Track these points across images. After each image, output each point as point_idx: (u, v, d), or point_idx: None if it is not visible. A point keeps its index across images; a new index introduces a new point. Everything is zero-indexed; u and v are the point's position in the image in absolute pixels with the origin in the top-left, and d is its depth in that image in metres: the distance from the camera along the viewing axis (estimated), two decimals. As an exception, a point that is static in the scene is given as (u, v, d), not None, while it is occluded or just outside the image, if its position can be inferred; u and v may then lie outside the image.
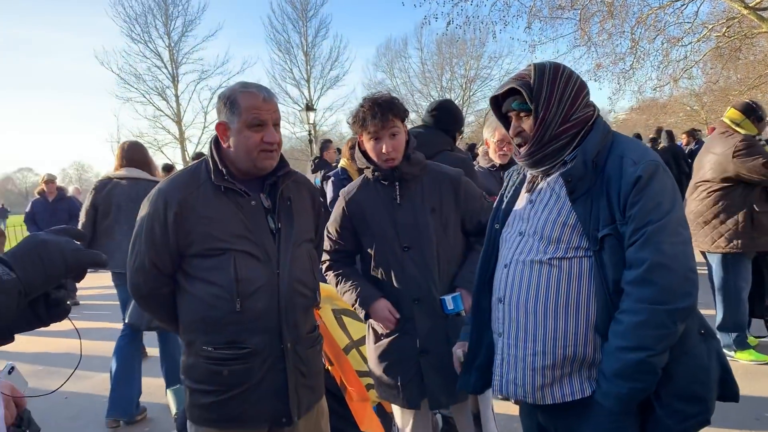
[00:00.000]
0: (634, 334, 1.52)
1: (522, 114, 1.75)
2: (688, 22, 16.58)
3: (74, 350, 6.08)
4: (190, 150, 31.55)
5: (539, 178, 1.82)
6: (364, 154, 2.54)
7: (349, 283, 2.54)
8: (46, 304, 1.13)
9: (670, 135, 11.40)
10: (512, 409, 3.61)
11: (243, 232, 1.99)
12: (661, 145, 11.15)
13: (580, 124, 1.72)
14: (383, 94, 2.49)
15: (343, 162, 5.94)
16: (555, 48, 31.62)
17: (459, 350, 2.06)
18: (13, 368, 1.73)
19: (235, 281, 1.95)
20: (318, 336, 2.27)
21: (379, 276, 2.51)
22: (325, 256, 2.65)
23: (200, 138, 32.05)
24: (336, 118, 35.76)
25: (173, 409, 3.64)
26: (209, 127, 32.17)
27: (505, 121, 1.86)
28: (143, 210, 2.05)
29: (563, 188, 1.71)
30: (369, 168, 2.52)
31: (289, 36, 33.90)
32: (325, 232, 2.61)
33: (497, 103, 1.85)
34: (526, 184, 1.88)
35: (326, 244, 2.62)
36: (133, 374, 4.25)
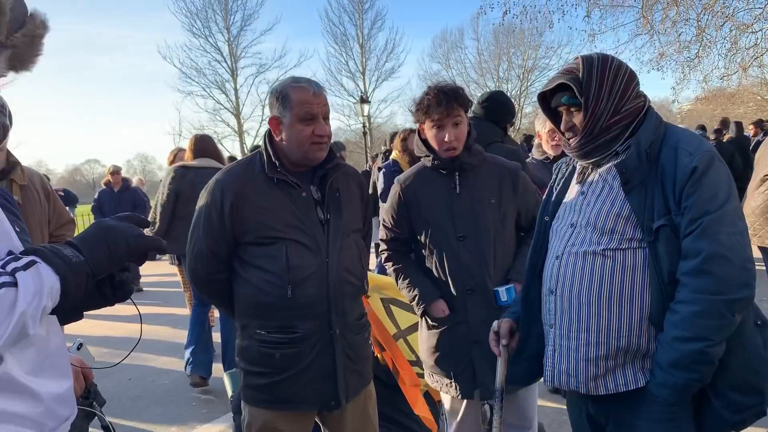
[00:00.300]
0: (691, 324, 1.51)
1: (572, 108, 1.76)
2: (759, 8, 15.82)
3: (136, 334, 6.36)
4: (249, 142, 32.25)
5: (590, 170, 1.82)
6: (425, 142, 2.54)
7: (407, 281, 2.56)
8: (111, 285, 1.23)
9: (739, 126, 10.94)
10: (561, 401, 3.59)
11: (294, 222, 2.07)
12: (727, 137, 10.73)
13: (630, 115, 1.71)
14: (448, 83, 2.50)
15: (394, 154, 5.99)
16: (615, 37, 30.68)
17: (496, 322, 2.07)
18: (81, 344, 1.85)
19: (286, 269, 2.03)
20: (366, 323, 2.34)
21: (433, 265, 2.51)
22: (382, 246, 2.68)
23: (258, 130, 32.75)
24: (391, 110, 35.88)
25: (230, 392, 3.77)
26: (266, 119, 32.83)
27: (554, 116, 1.86)
28: (201, 199, 2.16)
29: (616, 179, 1.70)
30: (428, 156, 2.52)
31: (345, 28, 34.17)
32: (381, 221, 2.65)
33: (544, 98, 1.86)
34: (576, 176, 1.88)
35: (382, 233, 2.65)
36: (208, 341, 4.83)
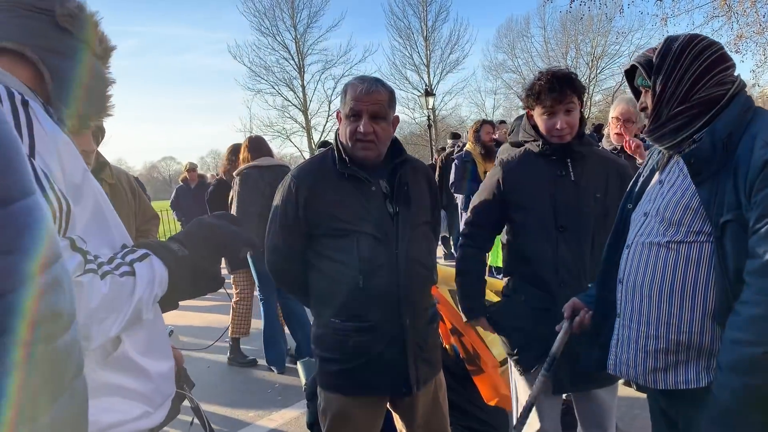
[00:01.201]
0: (752, 327, 1.42)
1: (646, 90, 1.75)
2: None
3: (217, 324, 6.65)
4: (316, 138, 32.78)
5: (667, 157, 1.79)
6: (534, 127, 2.47)
7: (464, 289, 2.60)
8: (204, 277, 1.34)
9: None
10: (633, 394, 3.55)
11: (365, 215, 2.15)
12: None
13: (702, 105, 1.64)
14: (561, 69, 2.42)
15: (468, 145, 6.06)
16: (690, 20, 29.34)
17: (573, 299, 2.11)
18: (172, 331, 2.00)
19: (358, 260, 2.12)
20: (435, 313, 2.40)
21: (528, 255, 2.43)
22: (464, 229, 2.66)
23: (324, 126, 33.28)
24: (455, 101, 35.61)
25: (303, 380, 3.91)
26: (333, 115, 33.22)
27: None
28: (278, 194, 2.28)
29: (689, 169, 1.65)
30: (536, 141, 2.45)
31: (409, 22, 34.16)
32: (471, 203, 2.64)
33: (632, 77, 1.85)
34: (658, 163, 1.85)
35: (468, 216, 2.64)
36: (279, 335, 5.17)
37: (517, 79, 36.22)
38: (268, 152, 5.03)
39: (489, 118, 7.52)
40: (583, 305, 2.09)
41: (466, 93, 39.48)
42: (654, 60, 1.68)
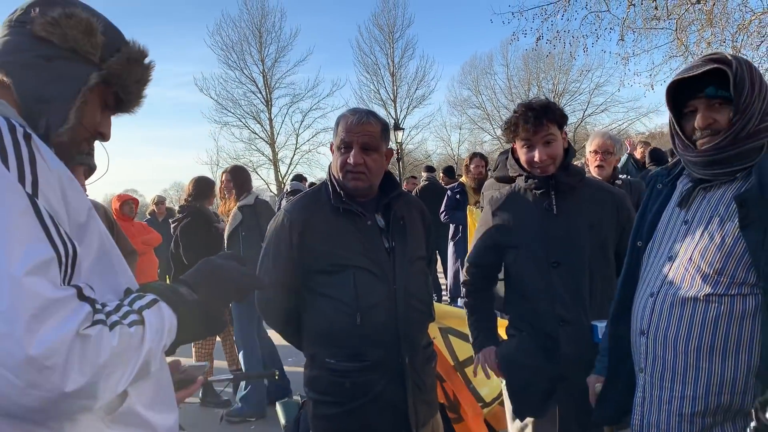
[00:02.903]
0: None
1: (717, 102, 1.54)
2: (796, 27, 15.59)
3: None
4: (283, 170, 32.67)
5: (697, 193, 1.61)
6: (518, 161, 2.40)
7: (473, 320, 2.55)
8: (211, 321, 1.26)
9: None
10: None
11: (361, 250, 2.10)
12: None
13: (763, 134, 1.50)
14: (539, 99, 2.35)
15: (463, 177, 6.32)
16: (650, 59, 30.51)
17: (597, 384, 1.93)
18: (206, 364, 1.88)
19: (355, 296, 2.06)
20: (432, 352, 2.35)
21: (524, 292, 2.35)
22: (467, 269, 2.57)
23: (292, 159, 33.18)
24: (422, 136, 35.93)
25: (282, 421, 3.80)
26: (300, 148, 33.15)
27: (677, 114, 1.65)
28: (270, 230, 2.23)
29: (729, 210, 1.50)
30: (521, 176, 2.39)
31: (376, 58, 34.52)
32: (470, 245, 2.59)
33: (672, 90, 1.63)
34: (678, 198, 1.68)
35: (468, 256, 2.57)
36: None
37: (481, 114, 36.97)
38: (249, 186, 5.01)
39: (479, 151, 7.66)
40: (600, 377, 1.93)
41: (432, 128, 39.79)
42: (735, 69, 1.47)
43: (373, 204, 2.21)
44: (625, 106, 34.18)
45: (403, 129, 27.30)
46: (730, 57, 1.50)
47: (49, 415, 0.90)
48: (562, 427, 2.32)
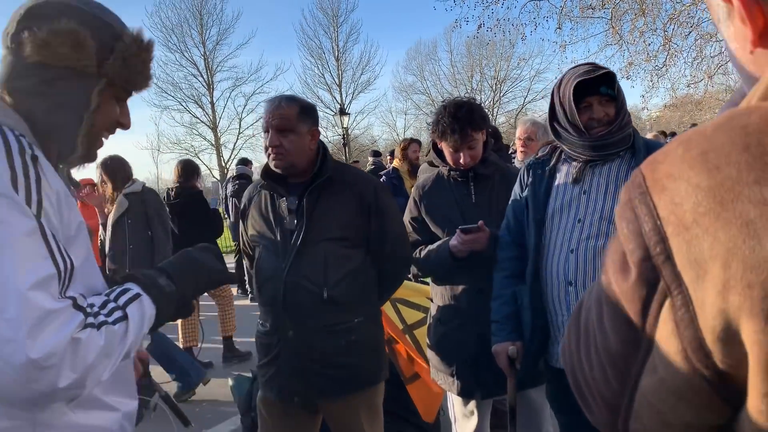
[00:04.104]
0: None
1: (605, 99, 1.97)
2: (722, 18, 16.39)
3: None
4: (226, 155, 32.24)
5: (587, 171, 2.02)
6: (440, 153, 2.65)
7: (428, 250, 2.59)
8: (182, 308, 1.38)
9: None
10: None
11: (266, 230, 2.35)
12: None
13: (631, 123, 1.98)
14: (464, 104, 2.52)
15: (395, 163, 6.33)
16: (586, 47, 31.63)
17: (512, 347, 2.17)
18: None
19: (254, 271, 2.40)
20: (352, 328, 2.31)
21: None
22: (414, 248, 2.69)
23: (235, 143, 32.81)
24: (368, 121, 36.06)
25: (235, 396, 3.92)
26: (243, 132, 32.79)
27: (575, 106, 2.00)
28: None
29: (623, 177, 1.92)
30: (445, 167, 2.63)
31: (320, 41, 34.49)
32: (407, 225, 2.70)
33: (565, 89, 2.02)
34: (568, 177, 2.06)
35: (414, 235, 2.70)
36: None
37: (426, 100, 37.23)
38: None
39: (415, 138, 7.77)
40: (509, 342, 2.19)
41: (378, 113, 40.22)
42: (613, 75, 1.96)
43: (299, 186, 2.32)
44: (563, 92, 35.00)
45: (349, 114, 27.36)
46: (606, 67, 1.98)
47: (42, 405, 1.07)
48: (483, 389, 2.56)
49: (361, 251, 2.34)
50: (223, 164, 31.79)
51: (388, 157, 10.29)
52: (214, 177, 33.76)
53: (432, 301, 2.76)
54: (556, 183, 2.09)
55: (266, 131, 2.29)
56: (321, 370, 2.26)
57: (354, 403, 2.35)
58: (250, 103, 32.75)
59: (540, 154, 2.23)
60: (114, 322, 1.11)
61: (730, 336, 0.55)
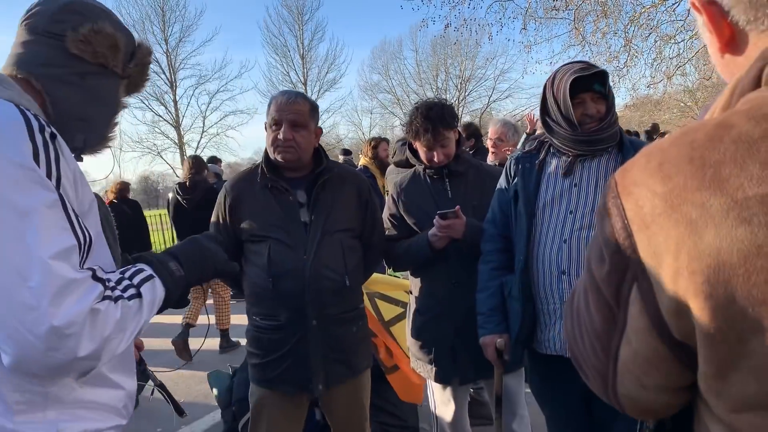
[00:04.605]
0: None
1: (598, 96, 2.05)
2: (680, 20, 16.87)
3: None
4: (189, 154, 31.77)
5: (577, 165, 2.10)
6: (415, 153, 2.75)
7: (401, 246, 2.70)
8: (183, 296, 1.42)
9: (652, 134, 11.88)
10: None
11: (278, 223, 2.34)
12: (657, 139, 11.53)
13: (617, 121, 2.10)
14: (434, 105, 2.64)
15: (363, 161, 6.31)
16: (550, 48, 32.19)
17: (499, 339, 2.27)
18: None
19: (268, 264, 2.30)
20: (355, 317, 2.49)
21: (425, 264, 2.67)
22: (393, 241, 2.78)
23: (199, 142, 32.37)
24: (334, 120, 35.94)
25: (214, 391, 3.92)
26: (208, 131, 32.40)
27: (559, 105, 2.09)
28: (217, 200, 2.47)
29: (612, 171, 1.94)
30: (420, 165, 2.75)
31: (285, 39, 34.08)
32: (385, 223, 2.80)
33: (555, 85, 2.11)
34: (558, 170, 2.13)
35: (388, 233, 2.78)
36: None
37: (392, 99, 37.27)
38: None
39: (383, 136, 7.78)
40: (497, 335, 2.28)
41: (344, 112, 40.09)
42: (605, 74, 2.04)
43: (301, 180, 2.41)
44: (528, 92, 35.46)
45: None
46: (598, 66, 2.06)
47: (62, 374, 1.10)
48: (461, 375, 2.66)
49: (359, 241, 2.52)
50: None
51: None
52: (177, 176, 33.33)
53: (411, 293, 2.84)
54: (546, 176, 2.15)
55: (276, 125, 2.32)
56: (337, 357, 2.38)
57: (357, 386, 2.53)
58: (214, 101, 32.38)
59: (528, 147, 2.30)
60: (129, 298, 1.15)
61: (681, 312, 0.68)
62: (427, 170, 2.72)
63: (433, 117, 2.59)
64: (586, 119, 2.05)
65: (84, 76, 1.27)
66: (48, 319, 0.98)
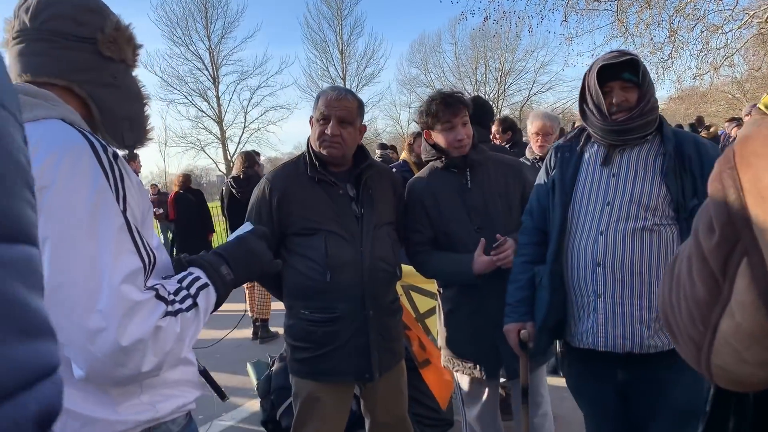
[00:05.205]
0: None
1: (628, 85, 2.00)
2: (728, 10, 16.40)
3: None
4: (231, 149, 32.29)
5: (614, 153, 2.06)
6: (433, 146, 2.69)
7: (440, 268, 2.64)
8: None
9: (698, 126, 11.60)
10: (559, 380, 3.90)
11: (332, 216, 2.36)
12: (702, 134, 11.25)
13: (656, 110, 2.04)
14: (448, 90, 2.66)
15: (404, 155, 6.48)
16: (591, 40, 31.48)
17: (523, 331, 2.26)
18: None
19: (325, 256, 2.31)
20: (398, 307, 2.61)
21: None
22: (412, 246, 2.72)
23: (240, 137, 32.84)
24: (371, 114, 35.92)
25: (254, 380, 4.02)
26: (249, 126, 32.83)
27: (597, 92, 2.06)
28: (253, 196, 2.46)
29: (649, 162, 1.99)
30: (439, 159, 2.67)
31: (324, 35, 34.36)
32: (407, 223, 2.72)
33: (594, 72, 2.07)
34: (594, 159, 2.11)
35: (409, 234, 2.71)
36: None
37: (431, 93, 36.88)
38: None
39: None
40: (521, 325, 2.27)
41: (382, 106, 40.02)
42: (640, 62, 1.99)
43: (345, 174, 2.46)
44: (569, 84, 34.94)
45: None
46: (633, 53, 2.02)
47: (128, 385, 1.19)
48: (507, 368, 2.62)
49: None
50: (229, 158, 31.81)
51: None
52: (219, 171, 33.88)
53: (440, 292, 2.81)
54: (585, 165, 2.13)
55: (324, 120, 2.35)
56: (387, 345, 2.47)
57: (399, 373, 2.62)
58: (256, 97, 32.78)
59: (569, 135, 2.27)
60: (187, 309, 1.22)
61: None
62: (446, 162, 2.64)
63: (453, 94, 2.61)
64: (613, 108, 2.03)
65: (115, 75, 1.30)
66: (116, 340, 1.05)
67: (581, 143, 2.18)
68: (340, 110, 2.35)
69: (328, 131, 2.34)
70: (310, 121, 2.46)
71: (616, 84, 2.01)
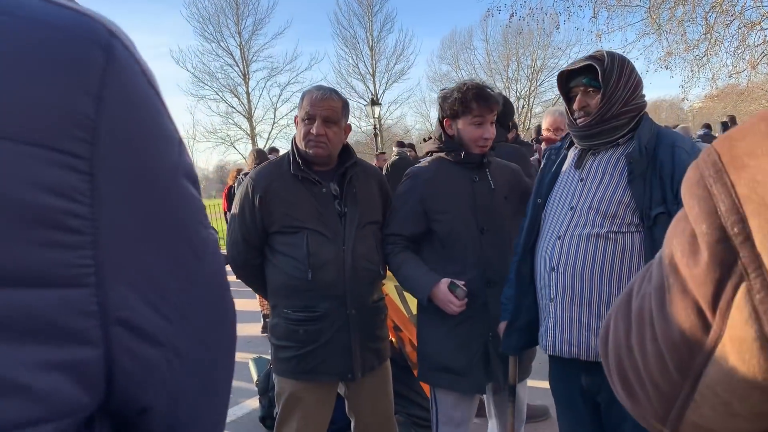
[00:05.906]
0: None
1: (590, 89, 1.95)
2: (766, 6, 15.92)
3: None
4: (261, 145, 32.54)
5: (587, 157, 2.02)
6: (450, 137, 2.51)
7: (408, 268, 2.46)
8: None
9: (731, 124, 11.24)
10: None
11: (314, 215, 2.35)
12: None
13: (636, 110, 1.94)
14: (481, 83, 2.50)
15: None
16: (623, 37, 30.85)
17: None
18: None
19: (307, 255, 2.31)
20: (382, 306, 2.59)
21: (454, 257, 2.44)
22: (387, 238, 2.54)
23: (270, 133, 33.08)
24: (401, 111, 35.97)
25: (254, 376, 4.04)
26: (279, 122, 33.02)
27: (566, 99, 2.05)
28: (237, 194, 2.47)
29: (616, 168, 1.92)
30: (451, 152, 2.48)
31: (354, 31, 34.23)
32: (388, 217, 2.59)
33: (563, 78, 2.04)
34: (571, 162, 2.08)
35: (388, 227, 2.55)
36: None
37: (464, 80, 36.62)
38: None
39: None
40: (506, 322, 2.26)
41: (411, 103, 39.95)
42: (605, 64, 1.89)
43: (330, 173, 2.45)
44: (601, 82, 34.15)
45: (381, 104, 27.34)
46: (605, 55, 1.92)
47: None
48: (493, 382, 2.49)
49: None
50: (259, 153, 32.03)
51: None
52: (249, 166, 34.10)
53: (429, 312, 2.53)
54: (564, 168, 2.12)
55: (309, 119, 2.35)
56: (370, 345, 2.45)
57: (384, 374, 2.60)
58: (285, 93, 32.94)
59: (563, 138, 2.26)
60: None
61: None
62: (463, 156, 2.46)
63: (487, 88, 2.45)
64: (575, 114, 2.01)
65: None
66: None
67: (566, 146, 2.18)
68: (325, 110, 2.35)
69: (314, 131, 2.33)
70: (295, 121, 2.46)
71: (579, 89, 1.99)
